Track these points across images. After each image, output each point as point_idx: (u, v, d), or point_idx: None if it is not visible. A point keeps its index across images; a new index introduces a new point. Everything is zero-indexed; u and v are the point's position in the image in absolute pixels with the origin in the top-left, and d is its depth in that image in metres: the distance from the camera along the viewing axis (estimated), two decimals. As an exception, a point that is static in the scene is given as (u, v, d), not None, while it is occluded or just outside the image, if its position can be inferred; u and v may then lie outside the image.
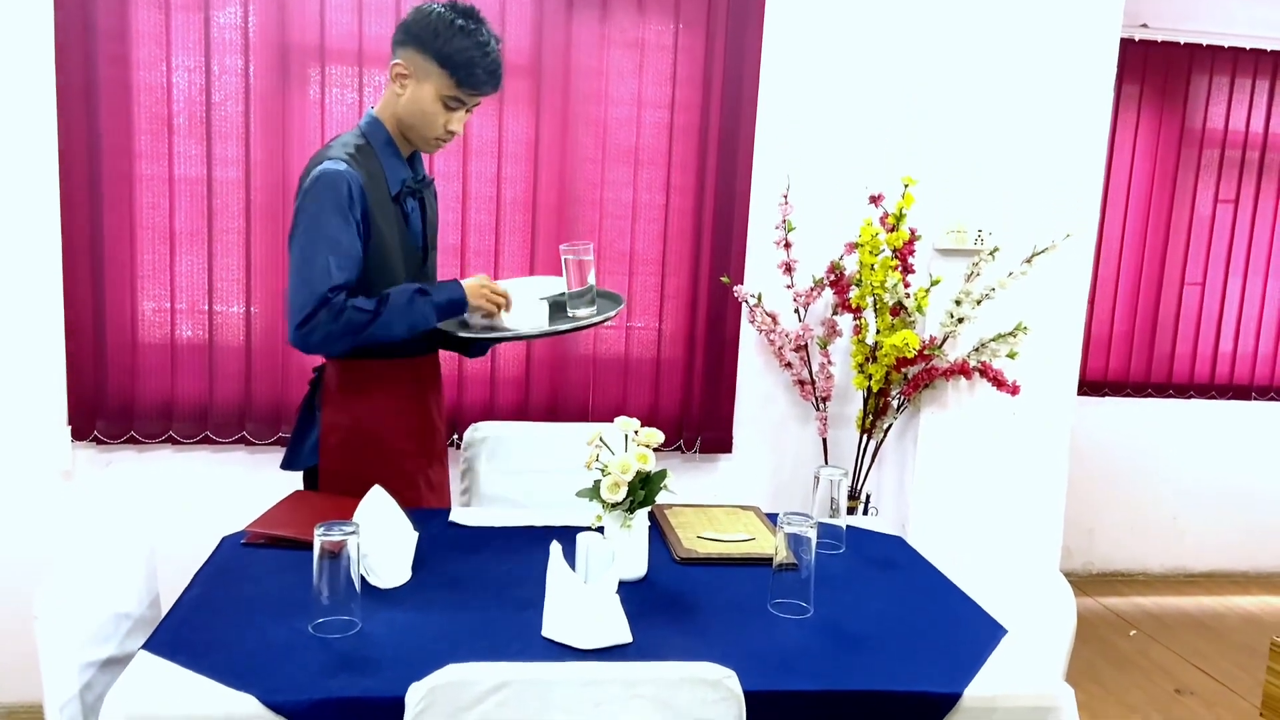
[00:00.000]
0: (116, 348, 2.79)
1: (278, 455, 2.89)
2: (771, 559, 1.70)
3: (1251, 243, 4.29)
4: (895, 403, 2.99)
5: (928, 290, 2.87)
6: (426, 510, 2.09)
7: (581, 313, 2.16)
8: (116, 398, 2.81)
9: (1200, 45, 4.08)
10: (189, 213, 2.78)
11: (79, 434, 2.81)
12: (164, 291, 2.80)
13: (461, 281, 2.08)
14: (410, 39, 2.01)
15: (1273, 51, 4.14)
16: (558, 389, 3.05)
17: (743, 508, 2.17)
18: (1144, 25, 4.01)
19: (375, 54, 2.80)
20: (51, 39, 2.65)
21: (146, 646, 1.41)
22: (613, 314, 2.18)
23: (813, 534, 1.63)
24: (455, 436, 2.85)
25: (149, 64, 2.71)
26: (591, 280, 2.19)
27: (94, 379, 2.79)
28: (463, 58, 1.98)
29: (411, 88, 2.03)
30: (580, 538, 1.68)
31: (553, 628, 1.50)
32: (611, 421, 1.81)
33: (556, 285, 2.21)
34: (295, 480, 2.24)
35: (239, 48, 2.74)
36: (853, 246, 2.92)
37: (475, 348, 2.37)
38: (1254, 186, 4.25)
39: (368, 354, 2.07)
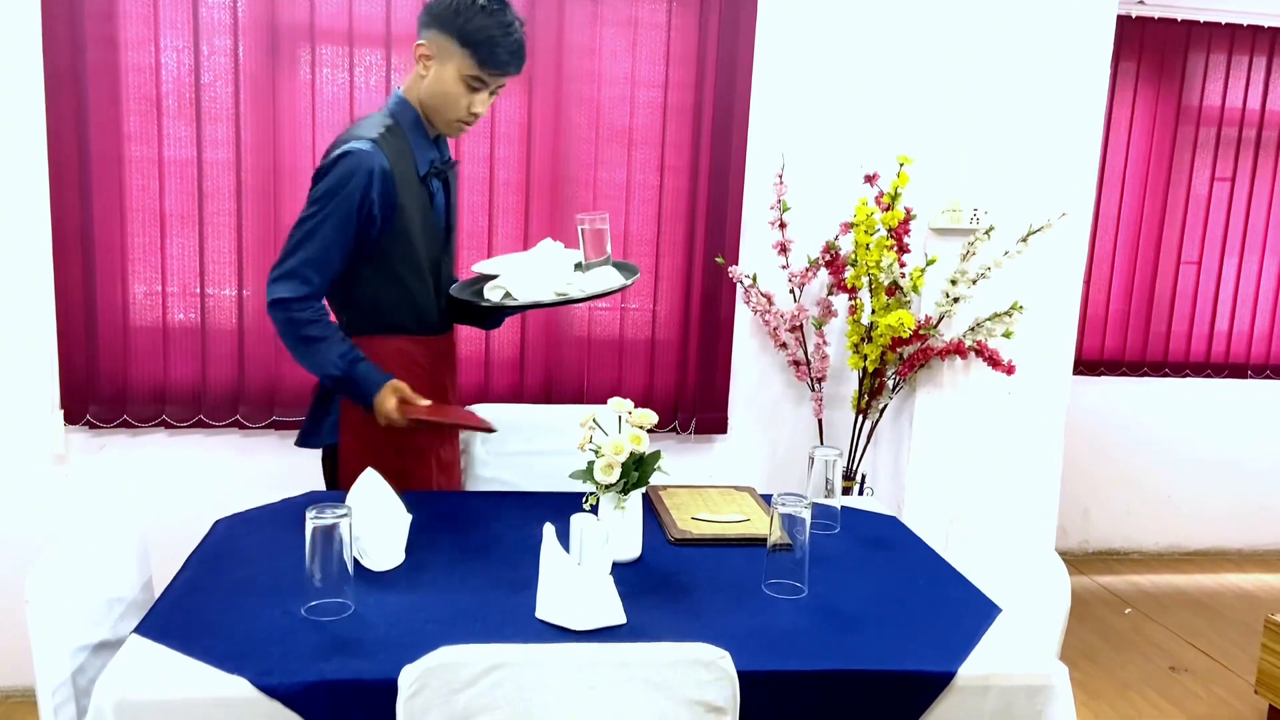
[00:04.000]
0: (108, 331, 2.78)
1: (271, 438, 2.91)
2: (766, 540, 1.70)
3: (1248, 221, 4.28)
4: (890, 383, 2.99)
5: (923, 270, 2.85)
6: (420, 493, 2.09)
7: (592, 281, 2.13)
8: (109, 382, 2.80)
9: (1197, 22, 4.06)
10: (179, 195, 2.76)
11: (71, 418, 2.80)
12: (155, 275, 2.79)
13: (379, 397, 2.02)
14: (433, 20, 2.01)
15: (1270, 28, 4.11)
16: (552, 371, 3.04)
17: (737, 489, 2.17)
18: (1141, 2, 3.99)
19: (366, 34, 2.78)
20: (39, 20, 2.62)
21: (138, 630, 1.41)
22: (635, 278, 2.17)
23: (807, 514, 1.63)
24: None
25: (137, 45, 2.69)
26: (608, 250, 2.19)
27: (86, 363, 2.78)
28: (483, 36, 1.98)
29: (434, 69, 2.03)
30: (574, 519, 1.67)
31: (546, 609, 1.50)
32: (606, 403, 1.80)
33: (573, 256, 2.20)
34: (294, 464, 2.23)
35: (228, 28, 2.72)
36: (848, 226, 2.91)
37: (492, 321, 2.39)
38: (1250, 164, 4.23)
39: (387, 330, 2.11)
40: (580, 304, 2.39)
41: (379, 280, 2.07)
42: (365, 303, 2.10)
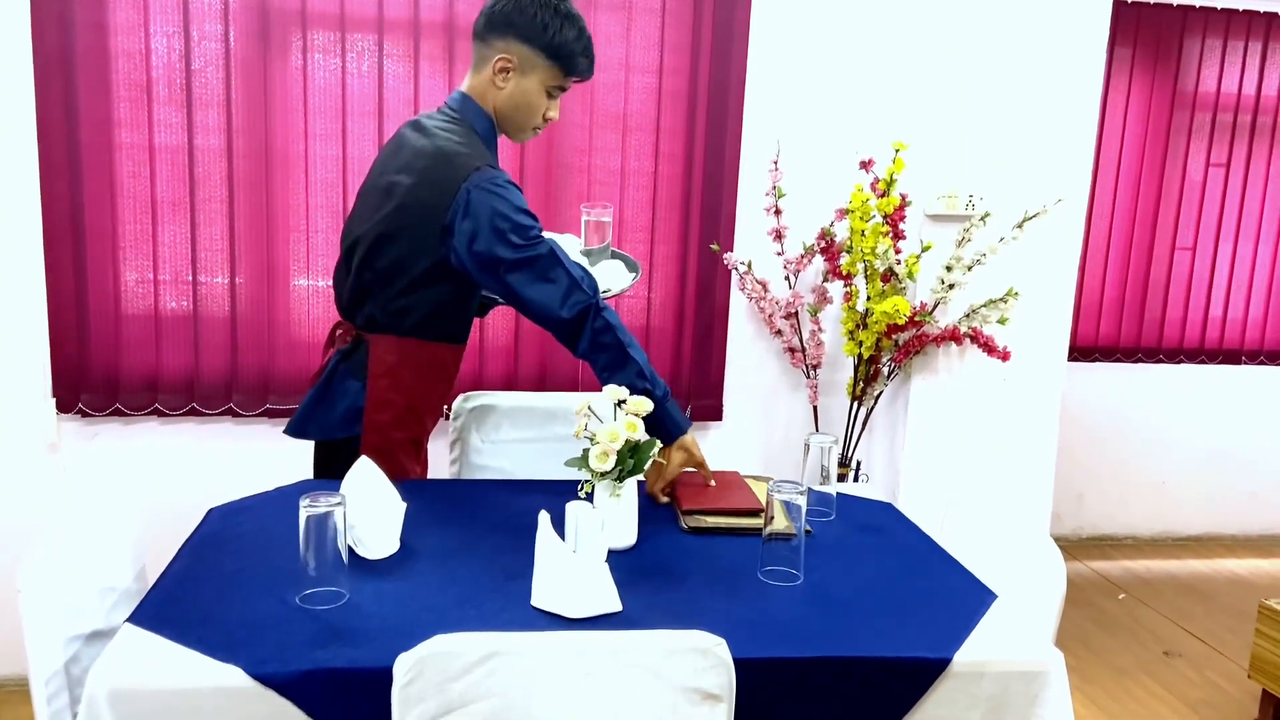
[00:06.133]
0: (100, 319, 2.76)
1: (265, 426, 2.90)
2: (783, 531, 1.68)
3: (1243, 207, 4.28)
4: (886, 370, 2.99)
5: (918, 256, 2.85)
6: (415, 480, 2.08)
7: (605, 277, 2.14)
8: (101, 370, 2.79)
9: (1193, 7, 4.05)
10: (170, 182, 2.75)
11: (64, 406, 2.79)
12: (147, 262, 2.77)
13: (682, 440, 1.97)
14: (513, 31, 1.95)
15: (1266, 13, 4.10)
16: (546, 358, 3.03)
17: (755, 478, 2.14)
18: (1137, -13, 3.97)
19: (358, 19, 2.76)
20: (27, 5, 2.59)
21: (132, 619, 1.40)
22: (632, 280, 2.18)
23: (803, 501, 1.62)
24: (446, 407, 2.83)
25: (127, 30, 2.66)
26: (609, 238, 2.21)
27: (78, 351, 2.76)
28: (569, 49, 1.96)
29: (515, 80, 1.99)
30: (570, 507, 1.67)
31: (542, 597, 1.50)
32: (601, 390, 1.79)
33: (573, 245, 2.20)
34: (288, 452, 2.22)
35: (219, 13, 2.69)
36: (843, 213, 2.90)
37: (485, 307, 2.35)
38: (1246, 150, 4.23)
39: (440, 338, 2.05)
40: None
41: (454, 290, 2.01)
42: (432, 309, 2.02)
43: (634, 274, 2.20)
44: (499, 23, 1.96)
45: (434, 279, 1.97)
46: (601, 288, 2.09)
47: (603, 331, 1.91)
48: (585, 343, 1.92)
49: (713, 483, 2.01)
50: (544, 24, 1.93)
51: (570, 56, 1.97)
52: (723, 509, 1.89)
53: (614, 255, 2.24)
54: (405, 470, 2.06)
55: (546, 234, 1.99)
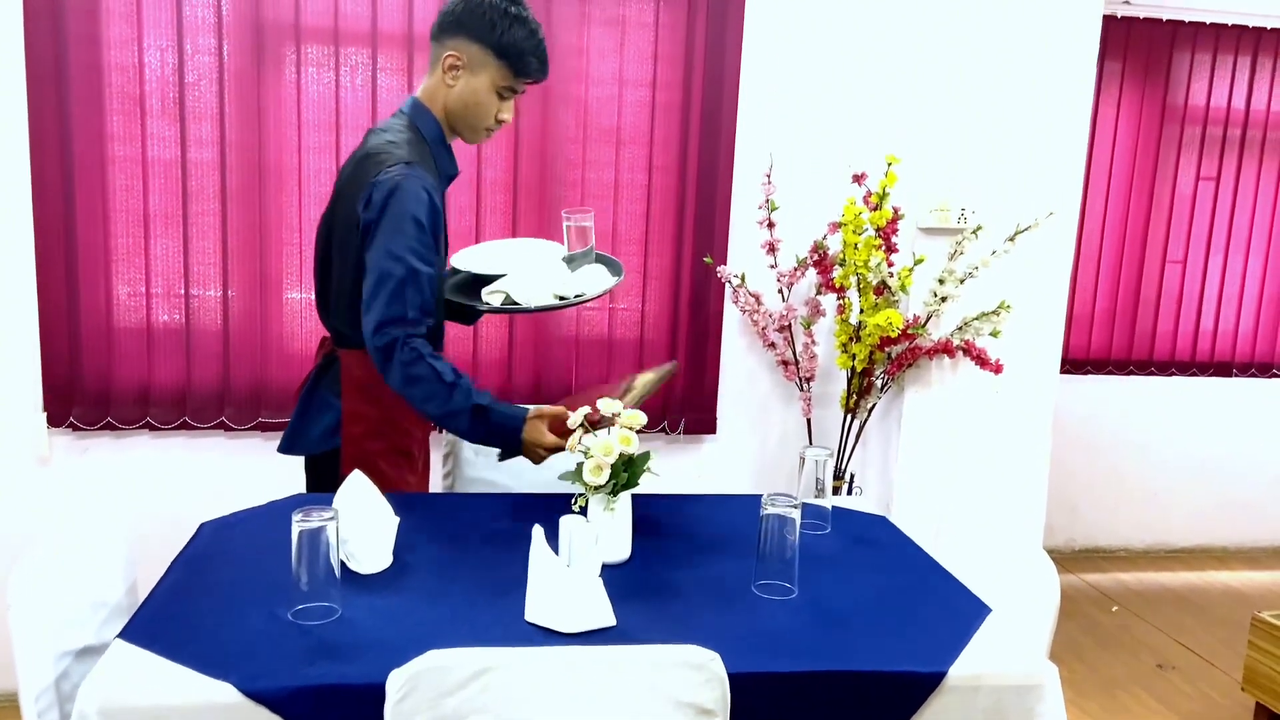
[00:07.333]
0: (92, 333, 2.75)
1: (257, 440, 2.89)
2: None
3: (1233, 220, 4.30)
4: (879, 382, 2.99)
5: (911, 269, 2.86)
6: (408, 494, 2.07)
7: (588, 282, 2.14)
8: (93, 383, 2.78)
9: (1182, 22, 4.08)
10: (163, 195, 2.74)
11: (55, 420, 2.78)
12: (139, 275, 2.77)
13: (526, 430, 1.94)
14: (463, 29, 1.97)
15: (1254, 28, 4.13)
16: (541, 371, 3.03)
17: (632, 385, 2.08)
18: (1126, 2, 4.00)
19: (352, 33, 2.76)
20: (20, 17, 2.60)
21: (122, 635, 1.39)
22: (614, 282, 2.18)
23: (797, 515, 1.62)
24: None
25: (120, 43, 2.66)
26: (591, 241, 2.21)
27: (69, 365, 2.75)
28: (518, 48, 1.97)
29: (464, 78, 2.00)
30: (563, 521, 1.67)
31: (535, 612, 1.49)
32: (595, 404, 1.79)
33: (556, 252, 2.20)
34: (280, 466, 2.21)
35: (212, 27, 2.70)
36: (836, 226, 2.91)
37: (471, 317, 2.36)
38: (1235, 163, 4.26)
39: None
40: (577, 306, 2.39)
41: None
42: None
43: (616, 277, 2.19)
44: (449, 23, 1.99)
45: None
46: (575, 292, 2.11)
47: (412, 363, 1.86)
48: (395, 377, 1.88)
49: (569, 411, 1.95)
50: (492, 23, 1.95)
51: (519, 56, 1.98)
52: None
53: (598, 258, 2.24)
54: (391, 480, 2.04)
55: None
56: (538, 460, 1.97)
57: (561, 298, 2.10)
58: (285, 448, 2.15)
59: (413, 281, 1.87)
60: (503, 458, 2.03)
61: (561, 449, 1.91)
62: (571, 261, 2.17)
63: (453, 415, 1.90)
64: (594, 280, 2.16)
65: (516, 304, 2.08)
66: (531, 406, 1.99)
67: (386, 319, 1.86)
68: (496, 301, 2.09)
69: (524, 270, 2.13)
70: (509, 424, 1.94)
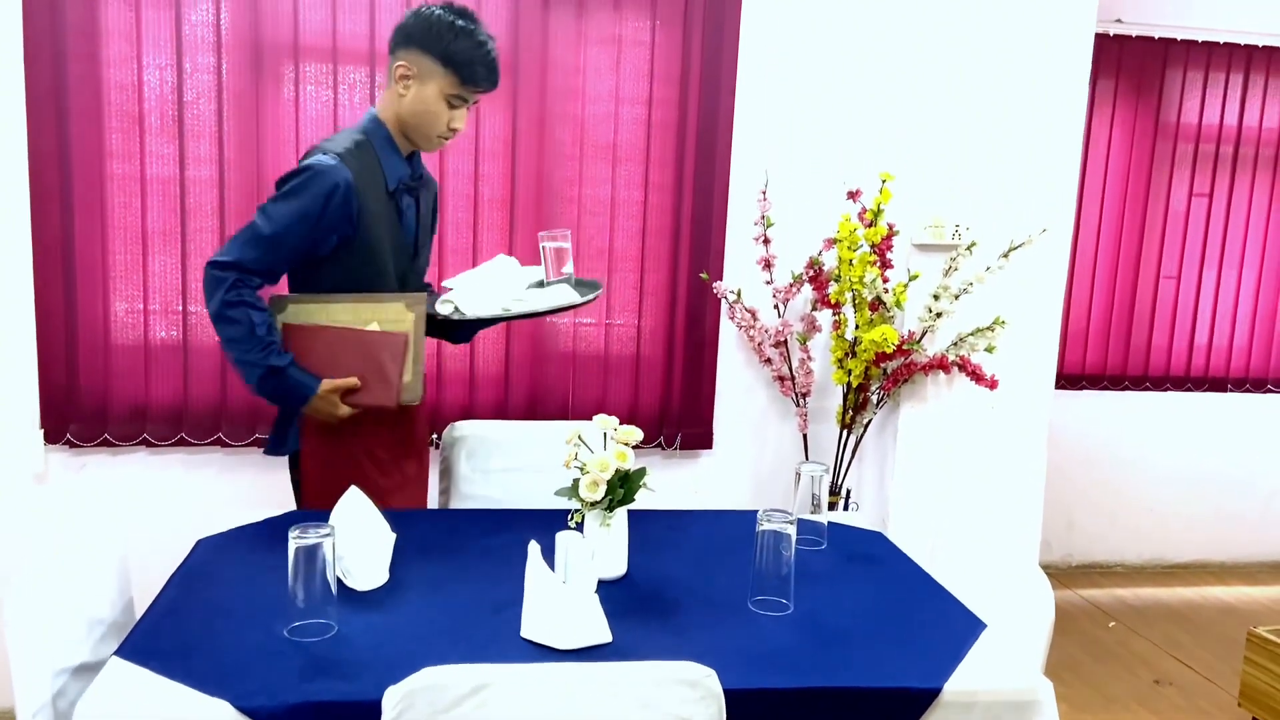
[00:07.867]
0: (89, 349, 2.76)
1: (254, 457, 2.89)
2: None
3: (1226, 236, 4.32)
4: (875, 398, 3.00)
5: (906, 285, 2.87)
6: (404, 511, 2.08)
7: (544, 297, 2.21)
8: (89, 400, 2.78)
9: (1175, 40, 4.11)
10: (162, 212, 2.75)
11: (52, 437, 2.78)
12: (137, 292, 2.77)
13: (314, 402, 2.07)
14: (412, 41, 2.06)
15: (1246, 45, 4.17)
16: (537, 387, 3.03)
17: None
18: (1119, 20, 4.03)
19: (350, 51, 2.78)
20: (20, 35, 2.61)
21: (119, 653, 1.39)
22: (594, 295, 2.23)
23: (793, 531, 1.63)
24: (435, 436, 2.83)
25: (120, 62, 2.68)
26: (569, 269, 2.26)
27: (66, 381, 2.76)
28: (464, 57, 2.05)
29: (415, 88, 2.08)
30: (559, 537, 1.67)
31: (532, 628, 1.49)
32: (591, 419, 1.80)
33: (531, 273, 2.25)
34: (277, 483, 2.21)
35: (211, 45, 2.71)
36: (831, 242, 2.92)
37: (460, 335, 2.42)
38: (1228, 180, 4.28)
39: None
40: (535, 318, 2.45)
41: (344, 290, 2.10)
42: None
43: (582, 297, 2.23)
44: (401, 36, 2.09)
45: (315, 279, 2.11)
46: (526, 307, 2.19)
47: (234, 305, 1.98)
48: (213, 305, 2.00)
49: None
50: (439, 34, 2.04)
51: (466, 65, 2.05)
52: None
53: (578, 284, 2.30)
54: (357, 482, 2.00)
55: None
56: (331, 420, 2.08)
57: (507, 309, 2.18)
58: (271, 450, 2.22)
59: (270, 243, 2.00)
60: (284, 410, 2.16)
61: (343, 415, 2.07)
62: (550, 285, 2.23)
63: (249, 365, 2.01)
64: (552, 296, 2.22)
65: (464, 314, 2.18)
66: (325, 380, 2.07)
67: (233, 260, 1.99)
68: (445, 311, 2.18)
69: (476, 282, 2.22)
70: (299, 390, 2.05)
